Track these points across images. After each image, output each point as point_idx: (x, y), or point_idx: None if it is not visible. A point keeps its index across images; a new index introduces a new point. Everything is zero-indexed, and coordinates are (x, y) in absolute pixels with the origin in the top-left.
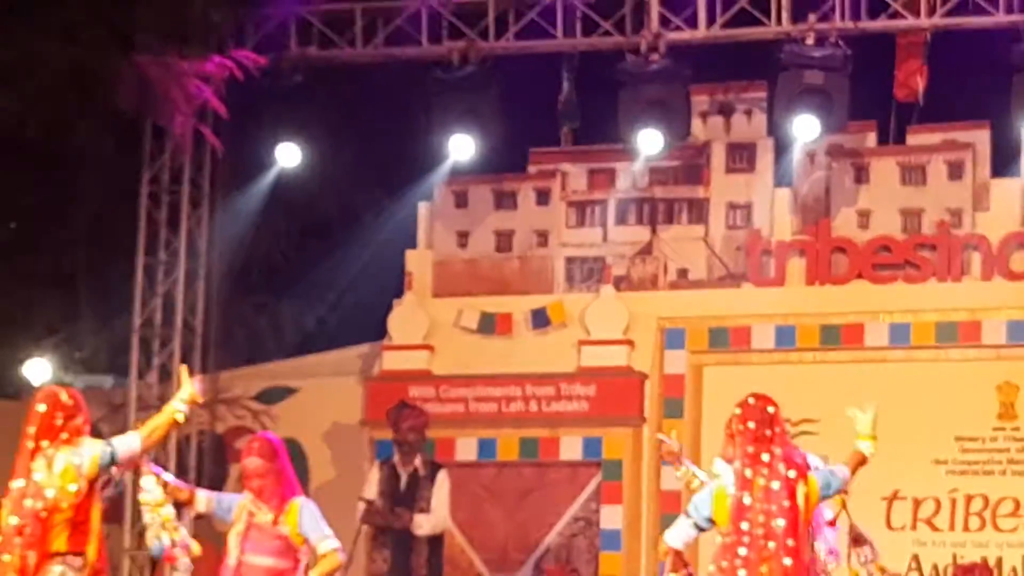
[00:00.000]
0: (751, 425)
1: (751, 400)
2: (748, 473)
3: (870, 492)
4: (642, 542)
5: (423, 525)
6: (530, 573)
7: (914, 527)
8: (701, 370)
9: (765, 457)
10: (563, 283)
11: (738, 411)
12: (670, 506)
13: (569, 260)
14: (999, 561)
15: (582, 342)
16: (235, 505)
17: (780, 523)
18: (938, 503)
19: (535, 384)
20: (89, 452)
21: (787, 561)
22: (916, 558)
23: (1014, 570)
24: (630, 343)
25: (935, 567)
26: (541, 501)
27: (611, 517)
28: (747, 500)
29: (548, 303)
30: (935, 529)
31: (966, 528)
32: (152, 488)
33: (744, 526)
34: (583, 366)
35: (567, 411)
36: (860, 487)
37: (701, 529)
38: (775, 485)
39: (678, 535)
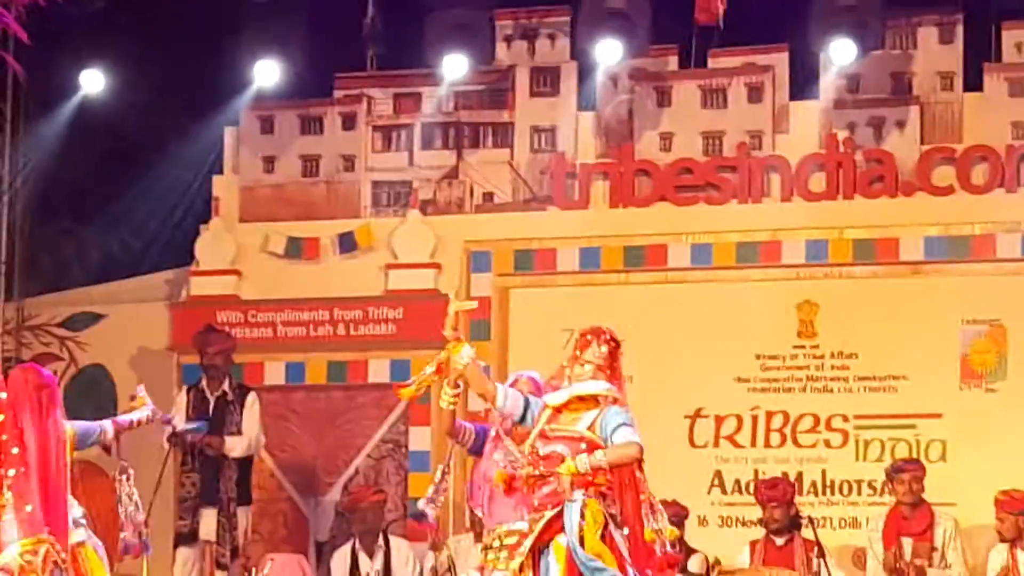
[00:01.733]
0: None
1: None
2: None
3: (673, 410)
4: (450, 463)
5: (236, 447)
6: (339, 495)
7: (716, 444)
8: (507, 292)
9: None
10: (370, 207)
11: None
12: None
13: (376, 184)
14: (799, 476)
15: (389, 266)
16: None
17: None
18: (740, 420)
19: (343, 308)
20: None
21: None
22: (719, 474)
23: (814, 484)
24: (437, 266)
25: (737, 483)
26: (350, 424)
27: (419, 439)
28: None
29: (355, 227)
30: (737, 446)
31: (767, 444)
32: None
33: None
34: (390, 289)
35: (375, 334)
36: (662, 405)
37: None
38: None
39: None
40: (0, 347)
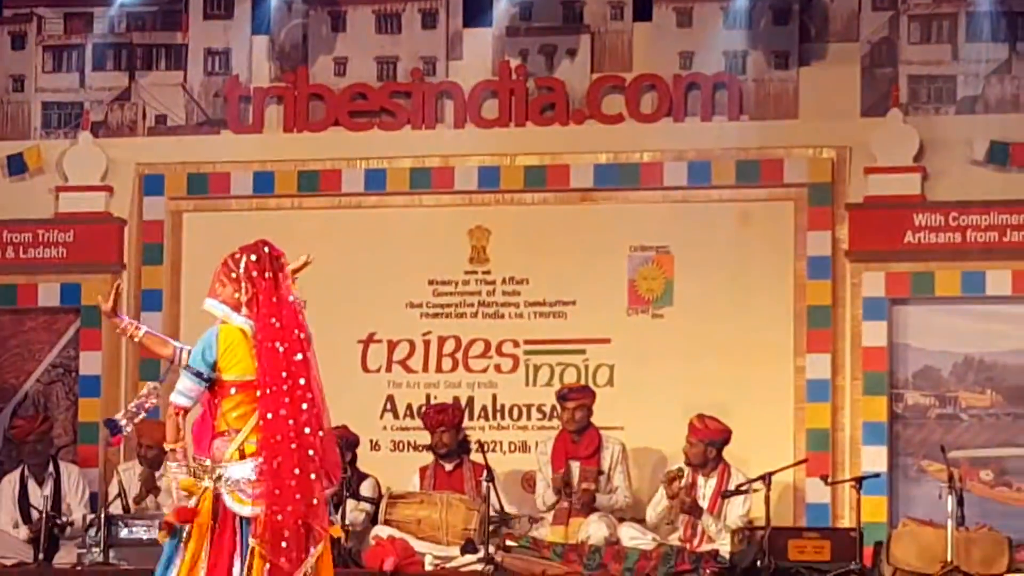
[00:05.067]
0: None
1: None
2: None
3: (345, 335)
4: (121, 387)
5: None
6: (7, 421)
7: (389, 369)
8: (181, 216)
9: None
10: (40, 129)
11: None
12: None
13: (46, 105)
14: (470, 400)
15: (59, 188)
16: None
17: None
18: (412, 345)
19: (11, 231)
20: None
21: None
22: (391, 399)
23: (485, 409)
24: (109, 189)
25: (409, 407)
26: (19, 348)
27: (90, 363)
28: (281, 349)
29: (24, 149)
30: (409, 371)
31: (439, 369)
32: None
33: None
34: (61, 212)
35: (45, 258)
36: (335, 331)
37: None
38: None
39: (184, 393)
40: None
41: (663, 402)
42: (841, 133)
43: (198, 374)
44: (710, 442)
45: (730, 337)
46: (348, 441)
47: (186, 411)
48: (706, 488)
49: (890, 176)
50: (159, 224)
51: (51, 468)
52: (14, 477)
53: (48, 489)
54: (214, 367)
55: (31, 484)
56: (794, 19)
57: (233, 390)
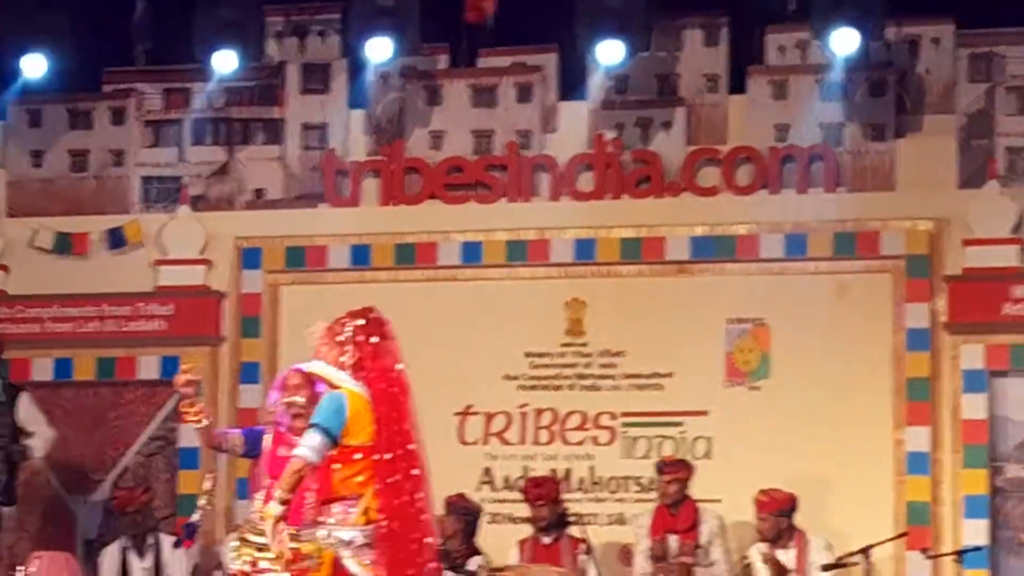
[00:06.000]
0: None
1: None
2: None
3: (443, 408)
4: (218, 460)
5: (39, 448)
6: (107, 493)
7: (486, 442)
8: (278, 289)
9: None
10: (139, 203)
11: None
12: (247, 423)
13: (145, 180)
14: (568, 473)
15: (159, 261)
16: None
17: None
18: (509, 417)
19: (112, 304)
20: None
21: None
22: (488, 471)
23: (582, 481)
24: (207, 262)
25: (506, 480)
26: (119, 421)
27: (189, 436)
28: (394, 414)
29: (124, 223)
30: (506, 443)
31: (536, 441)
32: None
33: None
34: (160, 285)
35: (144, 330)
36: (432, 403)
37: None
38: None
39: (315, 450)
40: None
41: (761, 475)
42: (938, 205)
43: (328, 434)
44: (780, 512)
45: (828, 410)
46: (468, 511)
47: (312, 469)
48: (788, 560)
49: (988, 248)
50: (257, 297)
51: (151, 540)
52: (114, 550)
53: (149, 561)
54: (342, 430)
55: (131, 556)
56: (890, 91)
57: (358, 455)
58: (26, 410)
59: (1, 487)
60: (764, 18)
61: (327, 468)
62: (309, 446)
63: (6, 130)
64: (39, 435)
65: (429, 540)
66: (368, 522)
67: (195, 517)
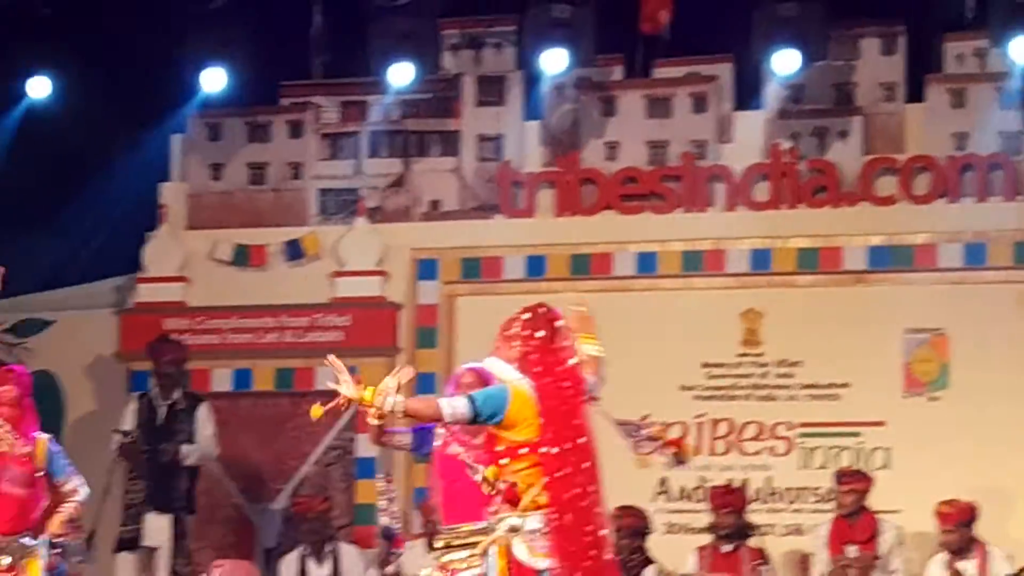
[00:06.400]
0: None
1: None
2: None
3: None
4: (396, 469)
5: (191, 455)
6: (286, 502)
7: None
8: (454, 300)
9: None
10: (317, 215)
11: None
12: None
13: (323, 192)
14: (744, 483)
15: (336, 273)
16: None
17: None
18: (685, 428)
19: (290, 315)
20: None
21: None
22: (664, 481)
23: (759, 492)
24: (384, 274)
25: (682, 490)
26: (297, 431)
27: (366, 446)
28: (563, 408)
29: (302, 235)
30: None
31: (712, 452)
32: None
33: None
34: (338, 297)
35: (322, 341)
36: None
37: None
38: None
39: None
40: None
41: (941, 486)
42: None
43: (473, 405)
44: (963, 523)
45: (1009, 420)
46: (636, 529)
47: (445, 420)
48: (970, 571)
49: None
50: (433, 308)
51: (330, 548)
52: (292, 559)
53: (327, 569)
54: (493, 418)
55: (310, 564)
56: None
57: (523, 450)
58: (203, 422)
59: (183, 496)
60: (942, 26)
61: (496, 462)
62: (450, 403)
63: (186, 144)
64: (202, 445)
65: (603, 532)
66: (537, 507)
67: (388, 521)
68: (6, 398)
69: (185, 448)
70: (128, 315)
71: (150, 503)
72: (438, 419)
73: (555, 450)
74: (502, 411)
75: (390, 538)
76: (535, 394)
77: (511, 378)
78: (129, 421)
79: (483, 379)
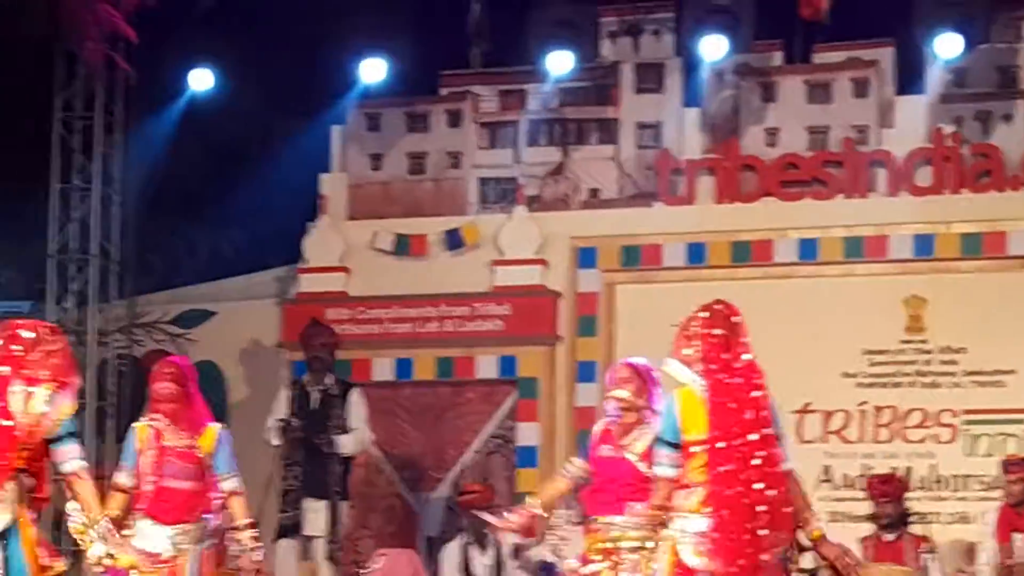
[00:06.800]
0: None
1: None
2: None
3: (781, 406)
4: (556, 459)
5: (347, 444)
6: (448, 491)
7: (825, 439)
8: (614, 288)
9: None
10: (476, 204)
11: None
12: (584, 422)
13: (482, 181)
14: (908, 471)
15: (496, 262)
16: (133, 437)
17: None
18: (848, 415)
19: (450, 304)
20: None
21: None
22: (827, 469)
23: (923, 480)
24: (543, 262)
25: (845, 478)
26: (458, 420)
27: (527, 434)
28: (732, 406)
29: (462, 224)
30: (845, 441)
31: (876, 439)
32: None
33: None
34: (497, 286)
35: (482, 330)
36: None
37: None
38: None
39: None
40: (112, 345)
41: None
42: None
43: (662, 440)
44: None
45: None
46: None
47: (675, 482)
48: None
49: None
50: (593, 296)
51: (492, 536)
52: (454, 547)
53: (490, 557)
54: (677, 435)
55: (473, 552)
56: None
57: (695, 448)
58: (355, 408)
59: (338, 481)
60: None
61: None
62: (662, 463)
63: (346, 134)
64: (356, 433)
65: (763, 532)
66: (703, 507)
67: (546, 555)
68: (164, 394)
69: (341, 438)
70: (290, 305)
71: (306, 490)
72: (665, 482)
73: (720, 445)
74: (675, 425)
75: (549, 572)
76: (706, 393)
77: (682, 381)
78: (282, 408)
79: (639, 374)
